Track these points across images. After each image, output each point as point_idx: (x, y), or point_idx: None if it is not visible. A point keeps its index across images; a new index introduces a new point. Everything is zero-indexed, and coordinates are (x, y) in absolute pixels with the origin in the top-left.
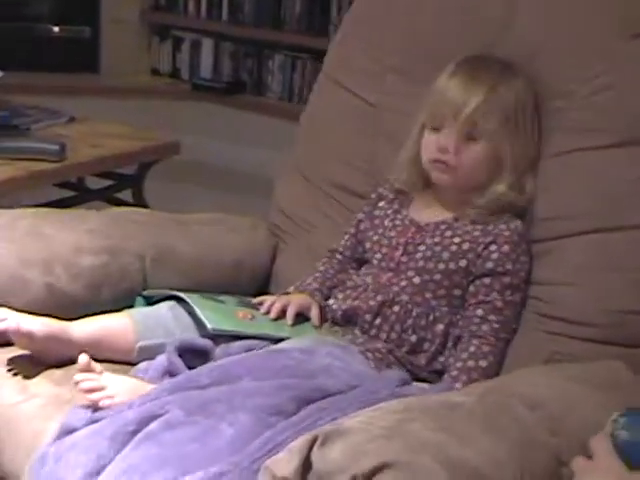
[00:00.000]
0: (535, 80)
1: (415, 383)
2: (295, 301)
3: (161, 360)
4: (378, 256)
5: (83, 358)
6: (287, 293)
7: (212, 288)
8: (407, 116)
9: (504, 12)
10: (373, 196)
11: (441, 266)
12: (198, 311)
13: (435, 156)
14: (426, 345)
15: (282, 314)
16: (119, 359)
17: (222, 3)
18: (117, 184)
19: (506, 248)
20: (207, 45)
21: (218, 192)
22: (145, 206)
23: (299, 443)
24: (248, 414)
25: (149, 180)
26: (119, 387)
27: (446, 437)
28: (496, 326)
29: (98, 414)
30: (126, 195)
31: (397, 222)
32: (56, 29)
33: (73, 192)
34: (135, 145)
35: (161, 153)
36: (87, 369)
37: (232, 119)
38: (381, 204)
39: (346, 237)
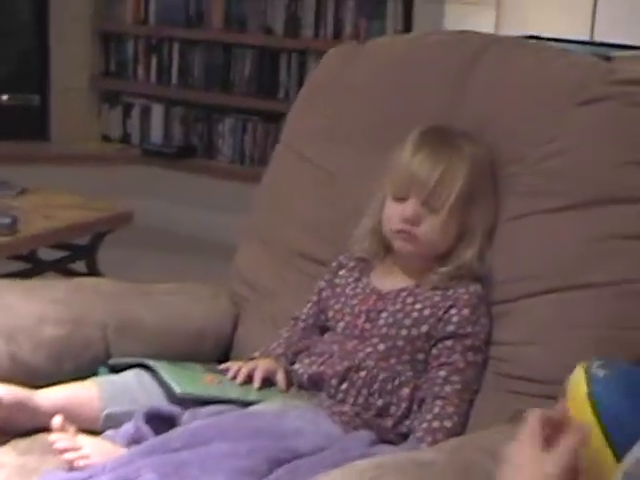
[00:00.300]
0: (491, 147)
1: (382, 445)
2: (262, 366)
3: (127, 428)
4: (341, 324)
5: (57, 419)
6: (253, 358)
7: (175, 357)
8: (366, 185)
9: (457, 86)
10: (334, 264)
11: (404, 332)
12: (166, 376)
13: (399, 227)
14: (392, 409)
15: (249, 379)
16: (85, 427)
17: (172, 67)
18: (71, 255)
19: (466, 311)
20: (157, 110)
21: (172, 257)
22: (99, 276)
23: None
24: (222, 476)
25: (102, 246)
26: (94, 448)
27: None
28: (458, 387)
29: (72, 475)
30: (80, 265)
31: (358, 290)
32: (5, 97)
33: (25, 264)
34: (88, 216)
35: (115, 223)
36: (62, 430)
37: (184, 183)
38: (342, 272)
39: (309, 305)
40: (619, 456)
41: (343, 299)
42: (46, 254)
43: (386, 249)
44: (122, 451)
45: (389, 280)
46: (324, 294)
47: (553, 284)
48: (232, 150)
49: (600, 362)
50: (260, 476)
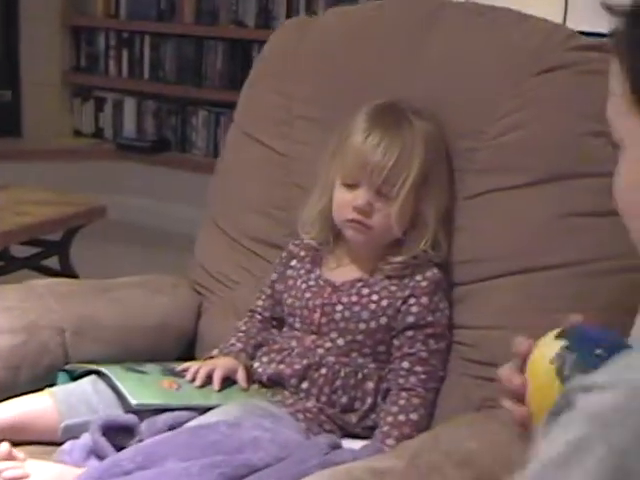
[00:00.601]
0: (446, 121)
1: (345, 441)
2: (220, 365)
3: (85, 439)
4: (297, 319)
5: (4, 447)
6: (211, 357)
7: (137, 355)
8: (317, 164)
9: (410, 57)
10: (284, 254)
11: (362, 326)
12: (120, 386)
13: (351, 216)
14: (357, 404)
15: (208, 380)
16: (44, 440)
17: (143, 61)
18: (43, 251)
19: (425, 300)
20: (129, 104)
21: (146, 252)
22: (72, 271)
23: None
24: None
25: (75, 242)
26: (44, 474)
27: None
28: (423, 377)
29: None
30: (53, 262)
31: (311, 283)
32: None
33: None
34: (60, 211)
35: (87, 218)
36: (9, 457)
37: (158, 177)
38: (293, 263)
39: (263, 297)
40: None
41: (294, 292)
42: (18, 251)
43: (336, 235)
44: (75, 474)
45: (341, 271)
46: (277, 287)
47: (514, 266)
48: (206, 143)
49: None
50: None
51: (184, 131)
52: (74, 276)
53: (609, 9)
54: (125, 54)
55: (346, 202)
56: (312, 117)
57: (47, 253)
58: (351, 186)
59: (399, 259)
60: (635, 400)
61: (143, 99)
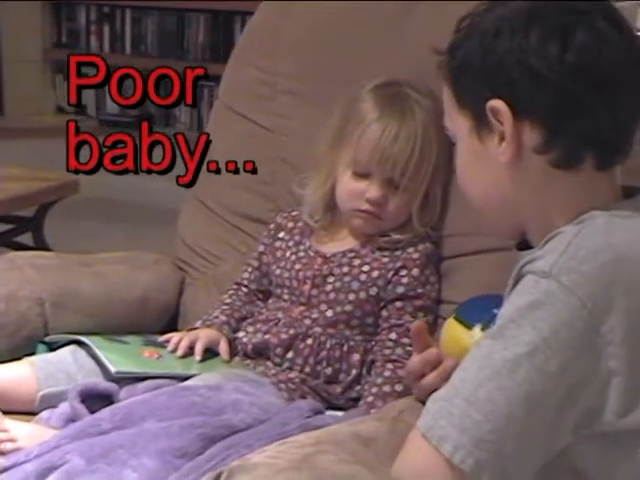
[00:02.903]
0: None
1: (329, 413)
2: (203, 336)
3: (64, 407)
4: (286, 291)
5: None
6: (194, 328)
7: (118, 328)
8: (303, 138)
9: (393, 32)
10: (272, 226)
11: (351, 297)
12: (100, 354)
13: (364, 207)
14: (342, 376)
15: (190, 351)
16: (21, 409)
17: (125, 36)
18: (16, 228)
19: (416, 272)
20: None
21: (131, 228)
22: (46, 248)
23: None
24: (153, 458)
25: (54, 219)
26: (22, 431)
27: (358, 469)
28: (410, 349)
29: None
30: (27, 238)
31: (301, 254)
32: None
33: None
34: (32, 186)
35: (60, 193)
36: None
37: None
38: (281, 235)
39: (249, 270)
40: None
41: (283, 264)
42: None
43: (332, 212)
44: (51, 433)
45: (332, 241)
46: (265, 259)
47: (496, 242)
48: (190, 117)
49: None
50: (193, 455)
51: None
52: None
53: (436, 52)
54: (106, 29)
55: (358, 192)
56: (297, 91)
57: (20, 229)
58: (362, 176)
59: (400, 237)
60: (567, 253)
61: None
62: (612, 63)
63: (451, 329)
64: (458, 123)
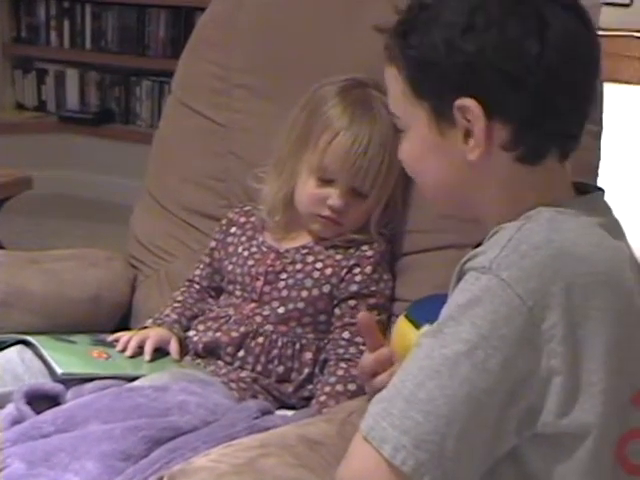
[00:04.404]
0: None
1: (280, 412)
2: (153, 336)
3: (10, 409)
4: (238, 287)
5: None
6: (145, 327)
7: (69, 327)
8: (257, 133)
9: (346, 24)
10: (224, 222)
11: (304, 294)
12: (47, 355)
13: (325, 213)
14: (293, 375)
15: (140, 350)
16: None
17: (85, 32)
18: None
19: (369, 269)
20: (72, 76)
21: (90, 225)
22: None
23: None
24: (95, 461)
25: (12, 215)
26: None
27: (303, 472)
28: (363, 348)
29: None
30: None
31: (254, 249)
32: None
33: None
34: None
35: (12, 189)
36: None
37: (102, 150)
38: (233, 230)
39: (201, 266)
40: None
41: (235, 259)
42: None
43: (291, 211)
44: None
45: (286, 237)
46: (217, 255)
47: (453, 239)
48: (150, 114)
49: None
50: (137, 458)
51: (128, 102)
52: None
53: (379, 30)
54: (66, 24)
55: (321, 198)
56: (250, 86)
57: None
58: (326, 181)
59: (356, 237)
60: (508, 248)
61: (86, 70)
62: (582, 62)
63: (401, 328)
64: (412, 113)
